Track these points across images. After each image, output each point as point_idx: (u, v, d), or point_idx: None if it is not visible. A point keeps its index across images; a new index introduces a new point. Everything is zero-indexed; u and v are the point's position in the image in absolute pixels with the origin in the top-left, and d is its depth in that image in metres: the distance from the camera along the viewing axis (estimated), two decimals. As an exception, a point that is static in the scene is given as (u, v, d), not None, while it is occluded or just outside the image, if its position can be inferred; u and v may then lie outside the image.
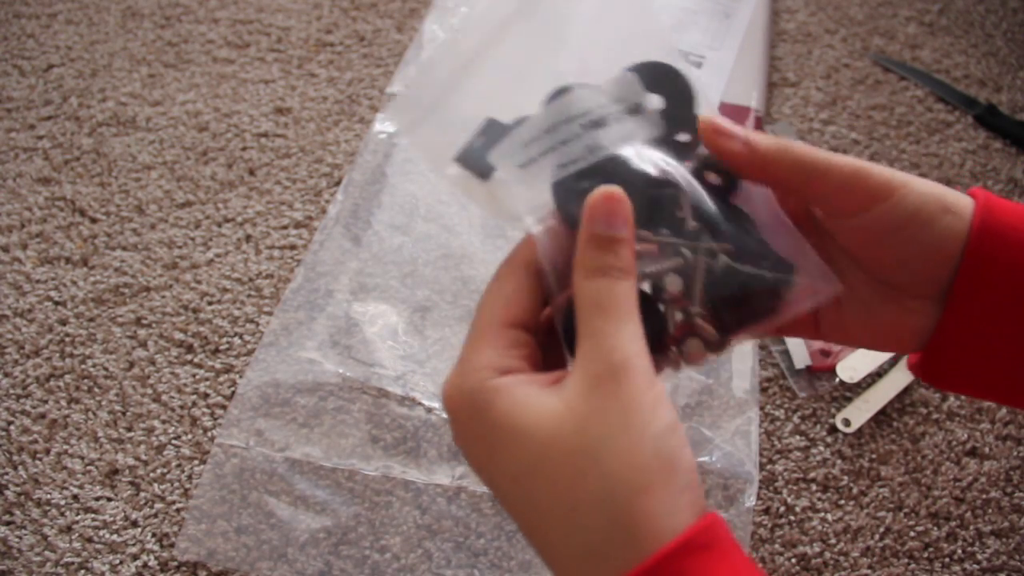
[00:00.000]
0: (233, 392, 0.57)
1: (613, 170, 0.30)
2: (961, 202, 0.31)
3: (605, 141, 0.31)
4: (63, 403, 0.57)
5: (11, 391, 0.57)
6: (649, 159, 0.31)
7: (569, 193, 0.30)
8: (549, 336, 0.31)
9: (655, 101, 0.32)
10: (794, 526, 0.53)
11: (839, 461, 0.56)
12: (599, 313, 0.27)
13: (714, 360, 0.29)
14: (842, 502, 0.54)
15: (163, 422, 0.56)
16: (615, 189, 0.28)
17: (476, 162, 0.31)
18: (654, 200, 0.30)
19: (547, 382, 0.28)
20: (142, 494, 0.53)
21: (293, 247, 0.66)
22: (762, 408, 0.58)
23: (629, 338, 0.27)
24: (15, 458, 0.54)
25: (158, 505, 0.52)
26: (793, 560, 0.52)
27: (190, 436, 0.55)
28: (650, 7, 0.34)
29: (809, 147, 0.31)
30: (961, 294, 0.31)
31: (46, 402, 0.57)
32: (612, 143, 0.31)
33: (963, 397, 0.59)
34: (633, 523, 0.25)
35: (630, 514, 0.25)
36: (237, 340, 0.60)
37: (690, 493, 0.26)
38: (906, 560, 0.52)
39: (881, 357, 0.59)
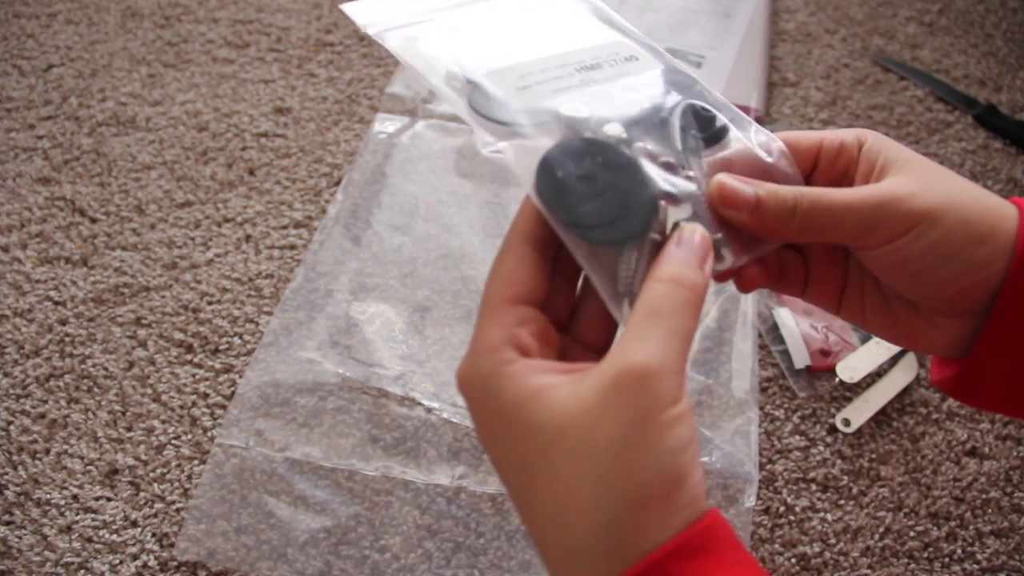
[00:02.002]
0: (233, 392, 0.57)
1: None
2: (1000, 227, 0.30)
3: (598, 78, 0.32)
4: (63, 403, 0.57)
5: (11, 391, 0.57)
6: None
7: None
8: (578, 311, 0.31)
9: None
10: (794, 526, 0.53)
11: (839, 461, 0.56)
12: (650, 317, 0.26)
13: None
14: (842, 502, 0.54)
15: (163, 422, 0.56)
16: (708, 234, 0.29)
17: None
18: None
19: (564, 372, 0.27)
20: (142, 494, 0.53)
21: (293, 247, 0.66)
22: (762, 408, 0.58)
23: (670, 352, 0.25)
24: (15, 458, 0.54)
25: (158, 505, 0.52)
26: (793, 560, 0.52)
27: (190, 436, 0.55)
28: None
29: (821, 193, 0.30)
30: (1002, 317, 0.30)
31: (46, 402, 0.57)
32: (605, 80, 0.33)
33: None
34: (622, 535, 0.24)
35: (621, 526, 0.24)
36: (237, 340, 0.60)
37: (692, 507, 0.25)
38: (906, 560, 0.52)
39: (881, 357, 0.59)
